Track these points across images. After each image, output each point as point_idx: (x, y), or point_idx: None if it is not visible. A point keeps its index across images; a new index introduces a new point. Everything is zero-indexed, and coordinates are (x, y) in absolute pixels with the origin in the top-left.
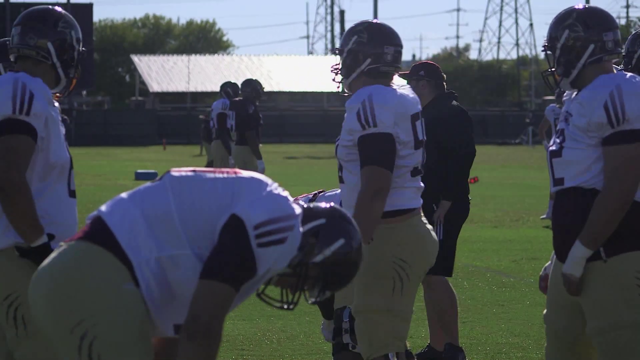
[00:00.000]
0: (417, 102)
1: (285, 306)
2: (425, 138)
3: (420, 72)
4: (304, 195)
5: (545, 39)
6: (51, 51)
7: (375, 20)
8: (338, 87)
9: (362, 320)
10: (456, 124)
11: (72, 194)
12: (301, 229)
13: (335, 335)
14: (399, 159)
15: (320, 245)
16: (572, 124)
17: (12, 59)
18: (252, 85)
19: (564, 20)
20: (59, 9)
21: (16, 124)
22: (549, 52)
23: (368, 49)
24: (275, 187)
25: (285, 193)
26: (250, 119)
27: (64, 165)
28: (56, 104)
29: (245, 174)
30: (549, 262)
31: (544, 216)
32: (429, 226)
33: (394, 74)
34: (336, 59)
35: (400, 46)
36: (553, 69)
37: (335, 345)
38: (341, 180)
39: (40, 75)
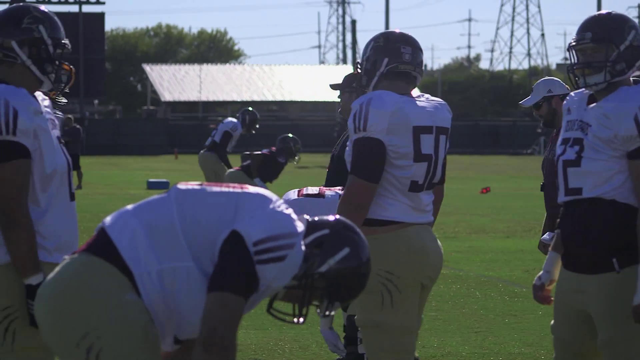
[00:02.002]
0: (438, 116)
1: (295, 320)
2: (435, 153)
3: (353, 84)
4: (308, 188)
5: (592, 34)
6: (17, 50)
7: (397, 31)
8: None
9: (362, 334)
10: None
11: (72, 197)
12: (304, 243)
13: (348, 344)
14: (393, 168)
15: (324, 256)
16: (592, 134)
17: None
18: (286, 142)
19: (626, 22)
20: (34, 5)
21: (5, 148)
22: (598, 44)
23: (385, 50)
24: (279, 205)
25: (289, 211)
26: (277, 166)
27: (62, 172)
28: (47, 103)
29: (252, 189)
30: (542, 271)
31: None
32: (430, 236)
33: (416, 79)
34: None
35: (420, 51)
36: (609, 61)
37: (348, 355)
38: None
39: (18, 77)
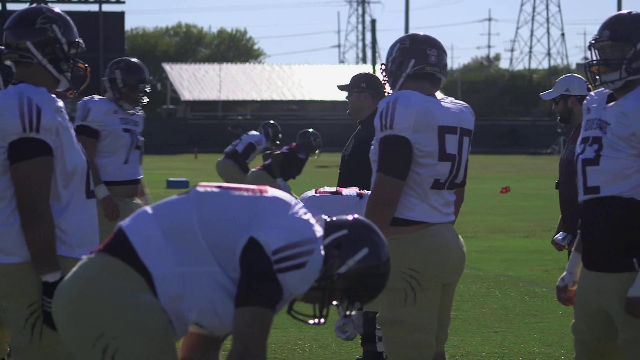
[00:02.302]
0: (463, 117)
1: (317, 321)
2: (458, 154)
3: (361, 85)
4: (325, 189)
5: (610, 32)
6: (32, 50)
7: (421, 34)
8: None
9: (383, 332)
10: None
11: (91, 194)
12: (322, 246)
13: (365, 342)
14: (419, 167)
15: (343, 256)
16: (610, 132)
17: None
18: (306, 137)
19: None
20: (47, 6)
21: (29, 145)
22: (615, 42)
23: (411, 52)
24: (297, 210)
25: (308, 216)
26: (298, 162)
27: (82, 170)
28: (61, 104)
29: (270, 193)
30: (565, 272)
31: None
32: (452, 235)
33: (440, 81)
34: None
35: (444, 51)
36: (625, 60)
37: (366, 353)
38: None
39: (35, 77)
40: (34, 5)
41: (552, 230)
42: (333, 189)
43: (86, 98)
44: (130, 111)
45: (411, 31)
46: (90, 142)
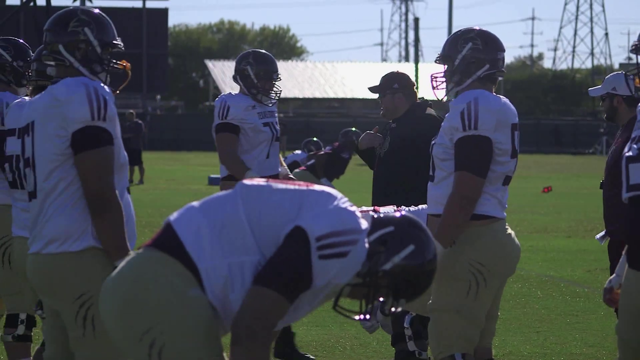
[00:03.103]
0: (516, 113)
1: (363, 317)
2: (518, 149)
3: (394, 85)
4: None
5: (638, 39)
6: (63, 53)
7: (479, 27)
8: (443, 96)
9: (434, 320)
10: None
11: (127, 190)
12: (368, 240)
13: (396, 342)
14: (496, 164)
15: (389, 253)
16: None
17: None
18: (348, 136)
19: None
20: (82, 7)
21: (98, 134)
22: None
23: (485, 55)
24: (343, 202)
25: (354, 208)
26: (342, 162)
27: (127, 165)
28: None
29: (316, 187)
30: (614, 275)
31: None
32: (511, 231)
33: (497, 78)
34: (439, 67)
35: (505, 51)
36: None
37: (398, 353)
38: (432, 179)
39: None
40: (70, 7)
41: (594, 230)
42: (370, 208)
43: (224, 95)
44: (269, 103)
45: (454, 30)
46: (232, 138)
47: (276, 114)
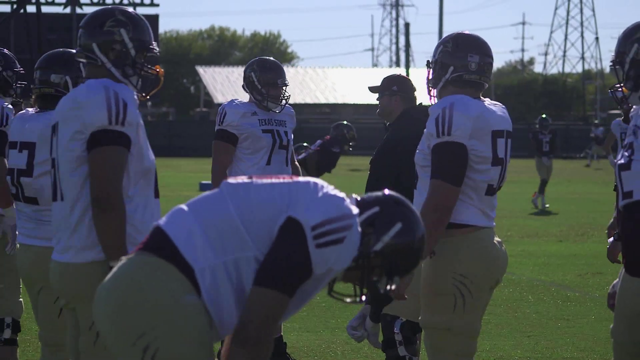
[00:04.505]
0: (506, 120)
1: (358, 300)
2: (505, 157)
3: (393, 87)
4: None
5: (614, 53)
6: (96, 52)
7: (466, 32)
8: (431, 100)
9: (427, 336)
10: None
11: (157, 194)
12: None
13: (387, 347)
14: (474, 172)
15: (378, 233)
16: None
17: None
18: (339, 129)
19: (633, 34)
20: (121, 7)
21: (112, 134)
22: (617, 66)
23: (451, 58)
24: (331, 189)
25: (342, 194)
26: (333, 156)
27: (154, 169)
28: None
29: (301, 178)
30: (617, 279)
31: None
32: (498, 239)
33: (482, 85)
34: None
35: (489, 56)
36: (621, 84)
37: (389, 358)
38: (415, 186)
39: (102, 77)
40: (109, 6)
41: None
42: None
43: (226, 102)
44: (276, 110)
45: (445, 35)
46: (223, 147)
47: (287, 122)
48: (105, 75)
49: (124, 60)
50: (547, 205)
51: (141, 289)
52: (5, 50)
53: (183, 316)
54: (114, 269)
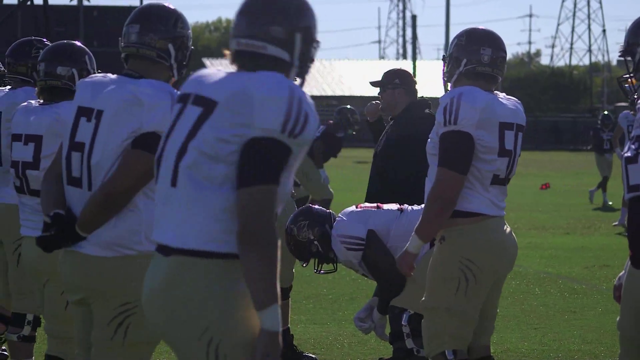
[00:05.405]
0: (517, 114)
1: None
2: (514, 149)
3: (395, 81)
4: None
5: (622, 44)
6: (171, 52)
7: (480, 26)
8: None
9: (426, 318)
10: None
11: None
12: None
13: (394, 340)
14: (480, 162)
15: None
16: None
17: (122, 58)
18: (343, 113)
19: None
20: (172, 7)
21: (151, 140)
22: (627, 57)
23: (464, 52)
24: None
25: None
26: (336, 142)
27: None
28: None
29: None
30: (623, 271)
31: (616, 223)
32: (509, 229)
33: (495, 78)
34: (436, 65)
35: (502, 50)
36: (630, 75)
37: (396, 351)
38: (427, 175)
39: (155, 75)
40: (172, 8)
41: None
42: (374, 205)
43: None
44: None
45: (452, 28)
46: None
47: None
48: (160, 73)
49: (183, 62)
50: (610, 203)
51: (196, 284)
52: None
53: (238, 304)
54: (162, 266)
